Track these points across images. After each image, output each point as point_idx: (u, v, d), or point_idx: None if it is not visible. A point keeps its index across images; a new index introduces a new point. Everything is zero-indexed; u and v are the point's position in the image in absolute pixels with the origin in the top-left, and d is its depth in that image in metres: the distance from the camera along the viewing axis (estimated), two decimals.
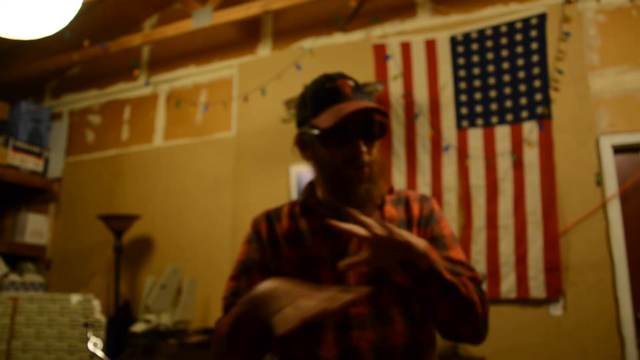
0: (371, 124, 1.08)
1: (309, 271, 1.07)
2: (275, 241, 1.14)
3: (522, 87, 2.87)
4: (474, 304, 0.97)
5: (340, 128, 1.04)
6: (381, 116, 1.08)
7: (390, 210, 1.15)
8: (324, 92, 1.09)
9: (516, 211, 2.75)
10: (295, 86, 3.25)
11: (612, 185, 2.62)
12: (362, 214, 1.04)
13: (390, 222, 1.09)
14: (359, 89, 1.11)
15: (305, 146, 1.14)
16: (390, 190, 1.20)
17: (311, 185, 1.19)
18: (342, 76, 1.12)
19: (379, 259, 0.94)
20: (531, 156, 2.77)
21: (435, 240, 1.10)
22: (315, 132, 1.07)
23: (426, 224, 1.14)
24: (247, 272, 1.13)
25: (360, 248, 1.06)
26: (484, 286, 2.72)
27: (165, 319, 3.05)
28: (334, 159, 1.07)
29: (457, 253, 1.09)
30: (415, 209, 1.15)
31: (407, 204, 1.17)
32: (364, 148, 1.05)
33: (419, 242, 0.94)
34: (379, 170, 1.10)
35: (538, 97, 2.82)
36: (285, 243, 1.13)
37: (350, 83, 1.10)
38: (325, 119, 1.05)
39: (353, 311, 1.02)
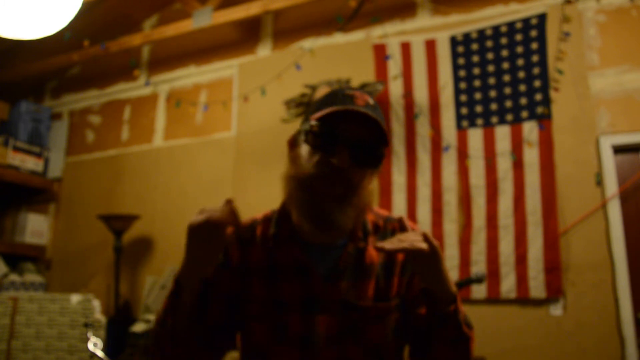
0: (368, 151, 0.97)
1: (277, 314, 1.00)
2: (246, 273, 1.04)
3: (522, 87, 2.87)
4: None
5: (331, 133, 0.95)
6: (381, 146, 0.98)
7: (371, 253, 1.04)
8: (340, 94, 1.00)
9: (516, 211, 2.75)
10: (295, 86, 3.25)
11: (612, 185, 2.62)
12: (341, 256, 1.01)
13: (370, 268, 1.03)
14: (375, 108, 0.99)
15: (293, 145, 1.04)
16: (375, 224, 1.07)
17: (284, 209, 1.07)
18: (364, 93, 1.01)
19: (417, 266, 0.94)
20: (531, 156, 2.77)
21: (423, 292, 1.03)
22: (305, 125, 0.99)
23: (411, 275, 1.05)
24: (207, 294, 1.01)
25: (331, 297, 0.99)
26: (484, 286, 2.72)
27: None
28: (311, 161, 0.96)
29: None
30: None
31: None
32: (347, 162, 0.93)
33: (452, 287, 0.95)
34: (357, 200, 0.96)
35: (538, 97, 2.82)
36: (257, 278, 1.03)
37: (370, 101, 0.99)
38: (320, 113, 0.96)
39: None
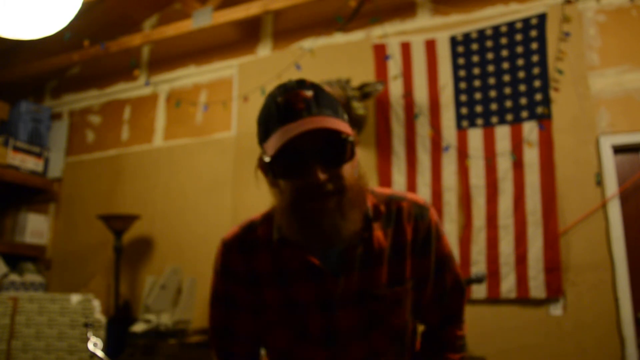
0: (335, 144, 0.88)
1: (296, 317, 1.00)
2: (255, 280, 1.03)
3: (522, 87, 2.87)
4: None
5: (291, 153, 0.86)
6: (345, 134, 0.88)
7: (379, 238, 0.99)
8: (274, 108, 0.89)
9: (516, 211, 2.75)
10: None
11: (612, 185, 2.62)
12: (346, 249, 0.97)
13: (380, 254, 0.99)
14: (318, 100, 0.89)
15: (266, 170, 0.96)
16: (376, 208, 1.00)
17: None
18: (298, 85, 0.90)
19: None
20: (531, 156, 2.77)
21: (438, 264, 1.06)
22: (267, 159, 0.89)
23: (423, 253, 1.02)
24: (226, 306, 1.09)
25: (347, 291, 0.98)
26: (484, 286, 2.72)
27: (165, 319, 3.05)
28: (291, 189, 0.90)
29: (451, 274, 1.10)
30: (409, 231, 1.01)
31: (398, 222, 1.01)
32: (322, 175, 0.86)
33: None
34: (353, 197, 0.91)
35: (538, 97, 2.82)
36: (267, 285, 1.02)
37: (306, 94, 0.88)
38: (272, 145, 0.87)
39: (348, 357, 0.99)
